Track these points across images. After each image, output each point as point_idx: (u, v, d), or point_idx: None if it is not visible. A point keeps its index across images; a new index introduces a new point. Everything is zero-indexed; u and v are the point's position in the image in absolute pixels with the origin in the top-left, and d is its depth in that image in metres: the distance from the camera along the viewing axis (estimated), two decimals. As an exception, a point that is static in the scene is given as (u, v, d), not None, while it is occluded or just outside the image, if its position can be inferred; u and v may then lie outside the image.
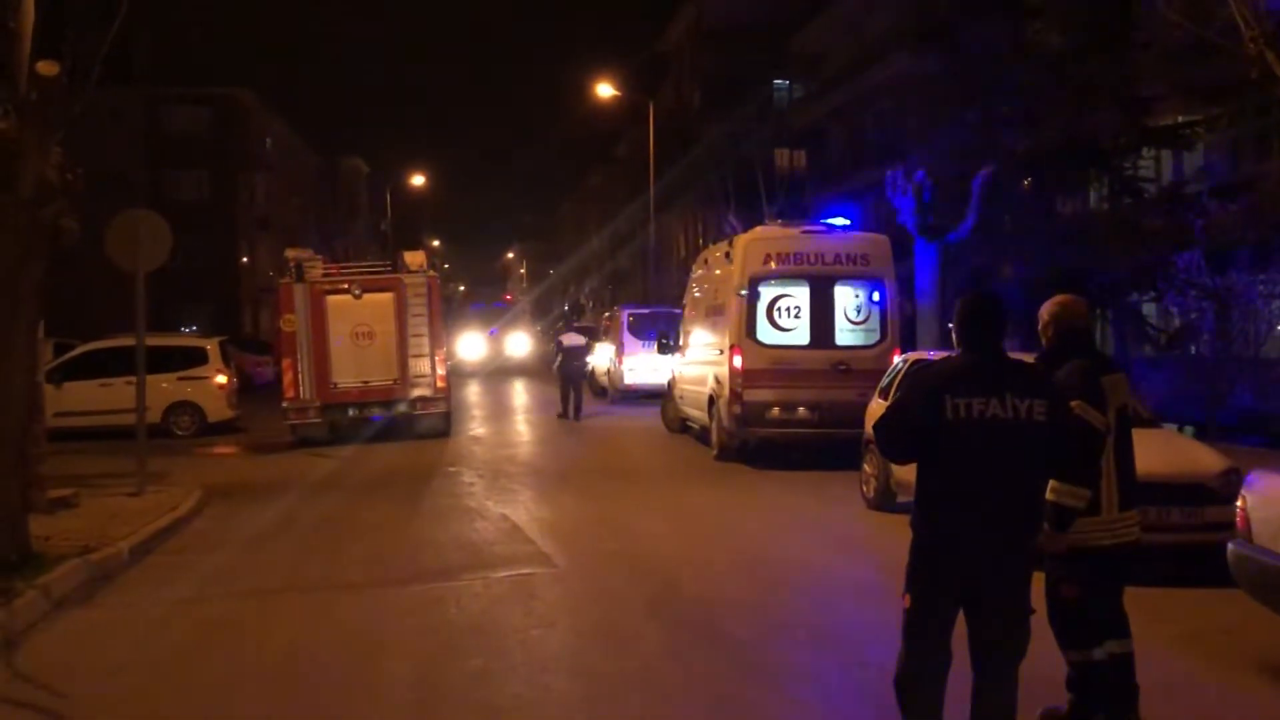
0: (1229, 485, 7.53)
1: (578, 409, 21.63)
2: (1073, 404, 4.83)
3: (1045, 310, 5.32)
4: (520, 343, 41.93)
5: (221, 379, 20.24)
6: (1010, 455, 4.23)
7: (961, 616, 4.35)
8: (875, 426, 4.62)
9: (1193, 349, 18.04)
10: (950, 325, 4.59)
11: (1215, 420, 15.55)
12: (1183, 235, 16.45)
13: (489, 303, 66.73)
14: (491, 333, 43.61)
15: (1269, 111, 15.73)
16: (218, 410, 20.27)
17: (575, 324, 37.94)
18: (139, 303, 12.28)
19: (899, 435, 4.44)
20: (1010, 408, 4.20)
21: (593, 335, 28.48)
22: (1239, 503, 6.18)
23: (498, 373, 37.74)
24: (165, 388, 19.33)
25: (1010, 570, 4.31)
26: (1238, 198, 17.02)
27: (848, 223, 15.14)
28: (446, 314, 24.78)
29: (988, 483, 4.21)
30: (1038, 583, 4.49)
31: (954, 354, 4.56)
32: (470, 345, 40.62)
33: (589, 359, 25.58)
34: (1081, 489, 4.81)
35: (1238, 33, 10.03)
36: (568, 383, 21.86)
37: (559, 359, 22.29)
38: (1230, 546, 6.22)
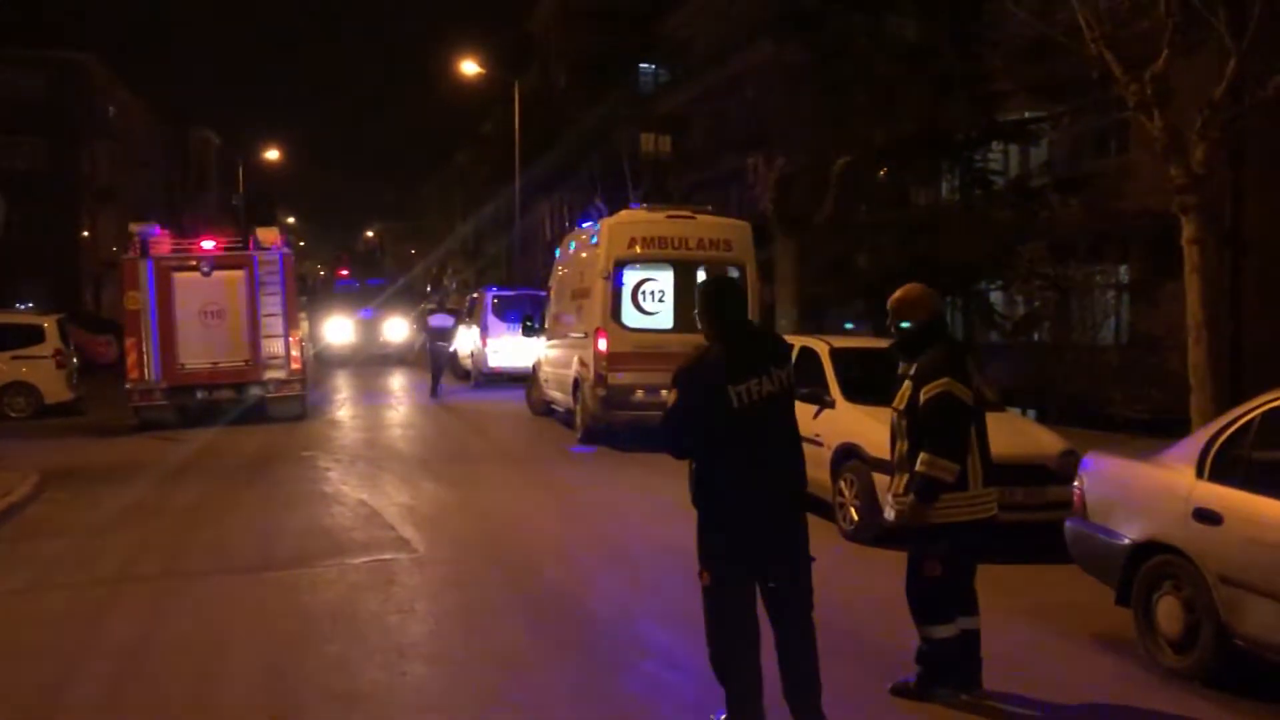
0: (1067, 466, 7.90)
1: (436, 388, 22.13)
2: (942, 381, 5.03)
3: (896, 299, 5.45)
4: (398, 327, 38.93)
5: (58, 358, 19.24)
6: (785, 422, 4.56)
7: None
8: (662, 428, 4.59)
9: (1035, 336, 18.87)
10: (698, 312, 4.68)
11: (1054, 404, 16.32)
12: (1027, 226, 17.14)
13: (363, 280, 62.95)
14: (365, 314, 40.77)
15: (1108, 110, 16.49)
16: (56, 391, 19.29)
17: (444, 305, 37.09)
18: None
19: (688, 433, 4.49)
20: (777, 380, 4.47)
21: (457, 317, 28.16)
22: (1076, 483, 6.50)
23: (371, 360, 35.55)
24: (-3, 367, 18.33)
25: (796, 526, 4.56)
26: (1078, 192, 17.82)
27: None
28: (305, 294, 24.13)
29: (772, 452, 4.48)
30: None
31: (711, 344, 4.59)
32: (339, 329, 37.67)
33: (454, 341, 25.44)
34: (952, 463, 4.99)
35: (1081, 34, 10.49)
36: (433, 363, 22.30)
37: (423, 338, 22.37)
38: (1067, 524, 6.55)
